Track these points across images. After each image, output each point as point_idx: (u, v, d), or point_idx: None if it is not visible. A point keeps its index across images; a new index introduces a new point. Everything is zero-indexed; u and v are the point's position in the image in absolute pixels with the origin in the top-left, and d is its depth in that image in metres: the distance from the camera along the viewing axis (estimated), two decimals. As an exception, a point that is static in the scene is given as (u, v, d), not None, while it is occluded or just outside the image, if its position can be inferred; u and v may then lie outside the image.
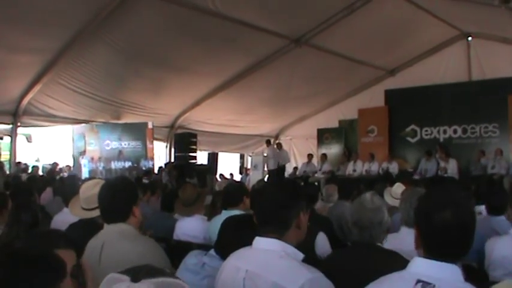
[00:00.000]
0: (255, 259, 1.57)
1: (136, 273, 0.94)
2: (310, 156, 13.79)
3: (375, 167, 12.15)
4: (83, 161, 12.96)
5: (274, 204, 1.62)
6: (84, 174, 12.28)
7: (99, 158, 13.12)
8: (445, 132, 12.39)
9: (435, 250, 1.34)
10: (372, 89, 14.11)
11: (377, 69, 13.58)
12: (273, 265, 1.51)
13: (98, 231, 2.07)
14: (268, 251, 1.56)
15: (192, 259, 2.17)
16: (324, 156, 13.42)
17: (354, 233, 2.21)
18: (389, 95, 13.12)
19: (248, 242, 1.67)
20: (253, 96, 13.41)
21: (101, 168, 12.98)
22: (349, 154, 13.57)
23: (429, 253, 1.35)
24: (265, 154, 14.61)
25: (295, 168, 14.44)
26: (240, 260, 1.63)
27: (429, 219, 1.36)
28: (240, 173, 16.49)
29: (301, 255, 1.58)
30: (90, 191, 2.64)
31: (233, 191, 3.45)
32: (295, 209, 1.63)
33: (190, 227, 3.89)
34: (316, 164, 13.74)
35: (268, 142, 14.83)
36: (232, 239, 2.01)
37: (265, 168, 14.29)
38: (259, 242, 1.60)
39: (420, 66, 13.12)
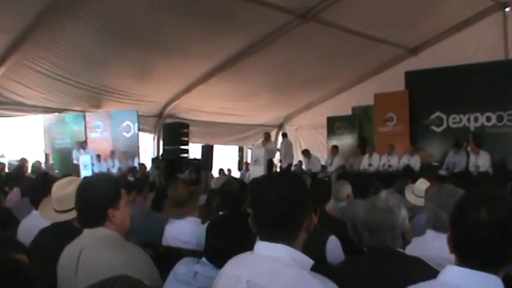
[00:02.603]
0: (258, 267, 1.52)
1: (109, 286, 0.91)
2: (305, 152, 13.71)
3: (394, 161, 12.14)
4: (83, 158, 12.00)
5: (285, 202, 1.53)
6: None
7: (112, 153, 12.79)
8: (476, 120, 12.30)
9: (470, 256, 1.32)
10: (391, 70, 14.08)
11: (396, 48, 13.52)
12: (278, 275, 1.47)
13: (74, 237, 2.06)
14: (272, 258, 1.51)
15: (182, 268, 2.16)
16: (334, 149, 13.43)
17: (365, 237, 2.21)
18: (411, 77, 13.08)
19: (242, 247, 1.65)
20: (253, 81, 13.40)
21: (115, 168, 12.38)
22: (364, 146, 13.55)
23: (464, 260, 1.34)
24: (278, 147, 14.65)
25: (300, 163, 14.44)
26: (240, 268, 1.58)
27: (461, 218, 1.34)
28: (239, 168, 16.53)
29: (310, 262, 1.54)
30: (62, 191, 2.62)
31: (233, 190, 3.45)
32: (308, 209, 1.58)
33: (181, 230, 3.86)
34: (320, 158, 13.75)
35: (284, 135, 14.93)
36: (221, 242, 2.00)
37: (276, 164, 14.26)
38: (263, 247, 1.55)
39: (447, 44, 13.06)
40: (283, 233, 1.53)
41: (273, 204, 1.54)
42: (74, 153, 12.56)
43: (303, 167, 14.11)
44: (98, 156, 12.36)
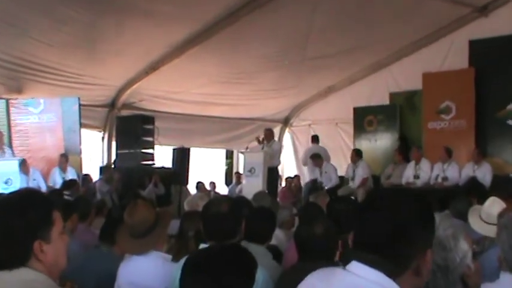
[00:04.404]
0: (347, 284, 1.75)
1: None
2: (314, 157, 13.61)
3: (452, 172, 12.11)
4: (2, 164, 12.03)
5: (392, 225, 1.75)
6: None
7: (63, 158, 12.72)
8: None
9: None
10: (447, 39, 14.09)
11: (456, 5, 13.49)
12: None
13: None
14: (368, 281, 1.72)
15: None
16: (355, 155, 13.45)
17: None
18: (478, 48, 13.10)
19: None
20: (247, 55, 13.40)
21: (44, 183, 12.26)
22: (407, 149, 13.56)
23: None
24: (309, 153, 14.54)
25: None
26: (324, 282, 1.84)
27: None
28: (227, 181, 16.53)
29: None
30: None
31: (221, 214, 3.48)
32: (422, 242, 1.76)
33: (142, 272, 3.89)
34: (340, 166, 13.71)
35: (315, 139, 14.94)
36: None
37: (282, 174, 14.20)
38: (359, 267, 1.76)
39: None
40: (383, 261, 1.72)
41: (377, 226, 1.78)
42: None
43: (302, 179, 14.04)
44: (23, 162, 12.23)
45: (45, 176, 12.41)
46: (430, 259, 1.74)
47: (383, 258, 1.71)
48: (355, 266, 1.76)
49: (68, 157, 12.79)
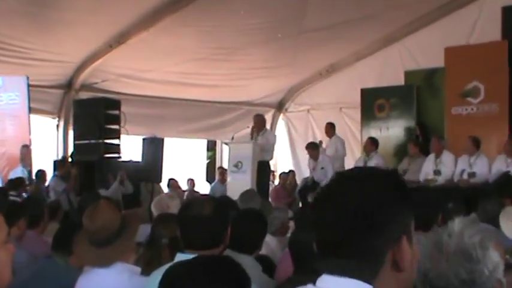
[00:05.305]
0: None
1: None
2: (312, 147, 13.74)
3: (480, 166, 12.16)
4: None
5: (350, 211, 1.68)
6: None
7: None
8: None
9: None
10: (475, 5, 14.14)
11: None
12: None
13: None
14: None
15: None
16: (371, 144, 13.51)
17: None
18: None
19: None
20: (232, 26, 13.42)
21: None
22: (426, 139, 13.63)
23: None
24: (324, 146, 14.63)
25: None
26: None
27: None
28: (209, 178, 16.54)
29: None
30: None
31: (205, 217, 3.48)
32: (392, 228, 1.68)
33: (105, 287, 3.87)
34: (328, 160, 13.77)
35: (331, 127, 14.76)
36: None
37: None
38: (328, 282, 1.69)
39: None
40: (352, 263, 1.67)
41: (333, 217, 1.71)
42: None
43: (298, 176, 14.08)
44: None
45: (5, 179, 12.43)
46: (407, 247, 1.68)
47: (352, 260, 1.67)
48: (324, 281, 1.71)
49: (30, 148, 12.81)
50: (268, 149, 13.33)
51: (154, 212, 6.76)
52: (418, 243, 4.05)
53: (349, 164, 13.87)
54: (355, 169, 1.86)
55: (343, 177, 1.82)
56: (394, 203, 1.69)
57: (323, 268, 1.71)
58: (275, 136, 14.60)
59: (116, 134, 13.48)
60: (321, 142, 14.62)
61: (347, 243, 1.66)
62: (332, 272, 1.68)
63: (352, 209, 1.66)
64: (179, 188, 14.84)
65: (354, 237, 1.66)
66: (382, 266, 1.66)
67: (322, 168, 13.42)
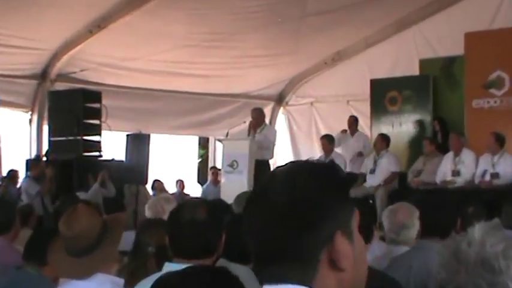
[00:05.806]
0: None
1: None
2: (327, 139, 13.81)
3: (504, 166, 12.20)
4: None
5: (280, 211, 1.68)
6: None
7: None
8: None
9: None
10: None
11: None
12: None
13: None
14: None
15: None
16: (382, 141, 13.54)
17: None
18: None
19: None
20: (226, 10, 13.45)
21: None
22: (444, 136, 13.63)
23: None
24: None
25: None
26: None
27: None
28: (200, 179, 16.58)
29: None
30: None
31: (198, 222, 3.50)
32: (327, 223, 1.68)
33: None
34: (340, 157, 13.82)
35: (354, 121, 14.93)
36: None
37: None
38: None
39: None
40: (286, 267, 1.68)
41: (263, 219, 1.72)
42: None
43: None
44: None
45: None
46: (345, 244, 1.68)
47: (287, 263, 1.68)
48: None
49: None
50: (267, 147, 13.37)
51: (148, 215, 6.78)
52: (430, 253, 4.11)
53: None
54: (289, 164, 1.83)
55: (274, 175, 1.83)
56: (324, 197, 1.70)
57: (264, 279, 1.71)
58: (275, 132, 14.61)
59: (97, 130, 13.51)
60: (345, 131, 14.68)
61: (281, 247, 1.68)
62: (270, 280, 1.69)
63: (281, 209, 1.67)
64: (165, 190, 14.85)
65: (287, 240, 1.67)
66: (317, 266, 1.67)
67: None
